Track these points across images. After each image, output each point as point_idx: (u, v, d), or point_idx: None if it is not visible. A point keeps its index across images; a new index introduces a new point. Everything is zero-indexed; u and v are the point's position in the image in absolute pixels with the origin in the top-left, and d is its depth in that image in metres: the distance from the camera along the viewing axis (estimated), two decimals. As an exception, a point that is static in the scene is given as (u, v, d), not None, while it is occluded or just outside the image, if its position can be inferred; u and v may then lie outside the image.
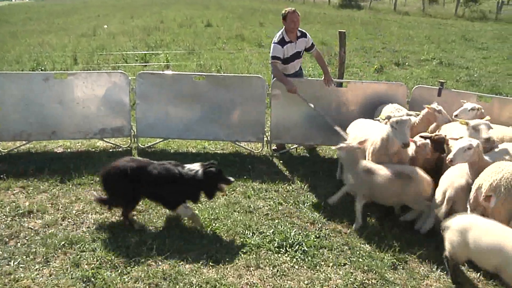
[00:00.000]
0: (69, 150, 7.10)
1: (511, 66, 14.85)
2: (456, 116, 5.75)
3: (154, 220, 5.02)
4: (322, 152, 7.29)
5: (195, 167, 4.80)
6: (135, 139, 7.18)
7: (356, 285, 4.10)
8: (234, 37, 18.36)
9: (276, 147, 7.22)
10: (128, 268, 4.20)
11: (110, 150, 7.11)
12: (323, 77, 6.79)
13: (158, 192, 4.81)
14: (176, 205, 4.82)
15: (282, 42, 6.62)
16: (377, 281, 4.17)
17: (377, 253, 4.55)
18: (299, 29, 6.73)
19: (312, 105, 6.50)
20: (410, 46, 17.17)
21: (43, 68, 11.91)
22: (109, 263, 4.26)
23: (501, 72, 13.93)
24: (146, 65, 12.87)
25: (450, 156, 4.56)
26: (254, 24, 23.59)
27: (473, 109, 5.74)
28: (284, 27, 6.66)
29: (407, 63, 14.24)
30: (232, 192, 5.75)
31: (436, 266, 4.41)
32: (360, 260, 4.43)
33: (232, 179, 4.87)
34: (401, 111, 6.16)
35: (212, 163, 4.87)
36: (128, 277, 4.08)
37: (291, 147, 7.29)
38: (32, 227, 4.84)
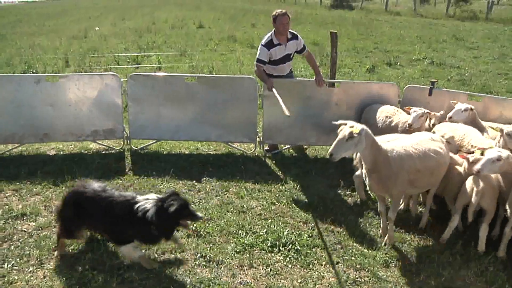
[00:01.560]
0: (61, 152, 7.08)
1: (502, 66, 14.99)
2: (450, 118, 5.73)
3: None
4: (314, 152, 7.32)
5: (148, 203, 3.98)
6: (128, 141, 7.18)
7: (349, 283, 4.14)
8: (226, 38, 18.38)
9: (268, 148, 7.25)
10: (122, 270, 4.20)
11: (103, 152, 7.11)
12: (314, 78, 6.81)
13: (102, 227, 4.27)
14: (122, 244, 4.20)
15: (269, 45, 6.56)
16: (370, 279, 4.21)
17: (370, 251, 4.60)
18: (291, 31, 6.70)
19: (285, 108, 6.02)
20: (401, 46, 17.27)
21: (34, 71, 11.85)
22: (103, 265, 4.26)
23: (491, 71, 14.05)
24: (138, 67, 12.86)
25: (477, 166, 4.31)
26: (246, 25, 23.64)
27: (465, 109, 5.77)
28: (273, 29, 6.62)
29: (398, 63, 14.33)
30: (225, 193, 5.78)
31: (427, 264, 4.46)
32: (353, 258, 4.48)
33: (200, 215, 4.11)
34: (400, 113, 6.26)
35: (174, 195, 4.05)
36: (120, 278, 4.09)
37: (283, 148, 7.31)
38: (25, 230, 4.83)
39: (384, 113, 6.31)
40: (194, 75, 7.56)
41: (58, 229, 4.42)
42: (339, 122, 4.42)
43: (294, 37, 6.73)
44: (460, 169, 4.87)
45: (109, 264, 4.26)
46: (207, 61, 13.38)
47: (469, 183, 4.64)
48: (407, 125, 5.66)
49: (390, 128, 6.10)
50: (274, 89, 6.37)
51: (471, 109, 5.78)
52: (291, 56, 6.86)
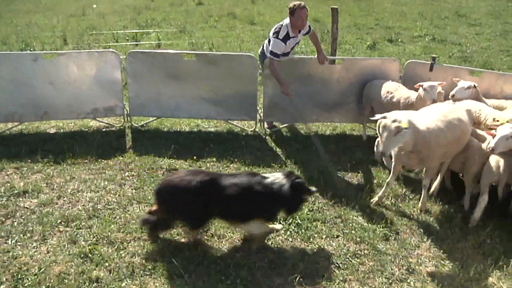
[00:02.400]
0: (62, 130, 7.08)
1: (504, 42, 14.85)
2: (453, 96, 5.69)
3: (149, 197, 5.05)
4: (313, 128, 7.32)
5: (279, 178, 4.13)
6: (128, 118, 7.17)
7: (349, 256, 4.21)
8: (226, 15, 18.13)
9: (268, 126, 7.22)
10: (125, 243, 4.26)
11: (103, 129, 7.10)
12: (316, 55, 6.75)
13: (233, 209, 4.14)
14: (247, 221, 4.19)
15: (286, 38, 6.31)
16: (369, 252, 4.27)
17: (369, 225, 4.65)
18: None
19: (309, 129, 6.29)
20: (403, 22, 17.06)
21: (32, 49, 11.75)
22: (106, 239, 4.32)
23: (493, 48, 13.94)
24: (137, 44, 12.73)
25: (491, 144, 4.44)
26: (245, 1, 23.30)
27: (469, 87, 5.72)
28: (290, 21, 6.28)
29: (400, 40, 14.17)
30: (226, 169, 5.81)
31: (426, 237, 4.53)
32: (353, 232, 4.53)
33: (314, 189, 4.36)
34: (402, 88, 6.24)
35: (293, 174, 4.29)
36: (124, 252, 4.14)
37: (282, 125, 7.31)
38: (28, 207, 4.87)
39: (386, 88, 6.28)
40: (193, 52, 7.50)
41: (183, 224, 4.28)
42: (378, 116, 4.47)
43: None
44: (483, 146, 4.85)
45: (111, 238, 4.31)
46: (207, 39, 13.24)
47: (493, 160, 4.63)
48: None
49: (392, 104, 6.09)
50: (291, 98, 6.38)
51: (474, 86, 5.74)
52: (299, 41, 6.75)
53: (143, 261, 4.04)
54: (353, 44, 13.15)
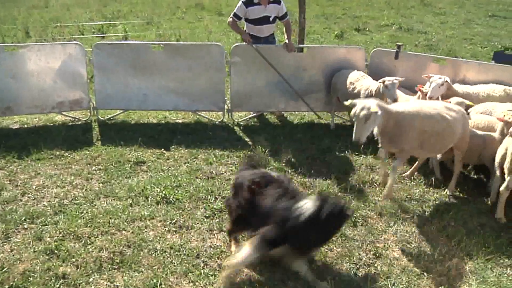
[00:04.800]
0: (26, 126, 6.88)
1: (467, 31, 15.22)
2: (430, 97, 5.62)
3: (117, 191, 5.00)
4: (281, 117, 7.38)
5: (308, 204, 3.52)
6: (95, 112, 7.04)
7: (321, 243, 4.25)
8: (194, 6, 17.95)
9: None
10: (92, 238, 4.20)
11: (70, 124, 6.96)
12: (283, 43, 6.79)
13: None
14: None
15: (248, 3, 6.58)
16: (338, 238, 4.32)
17: (338, 212, 4.70)
18: None
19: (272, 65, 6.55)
20: (370, 11, 17.27)
21: (-8, 43, 11.36)
22: (72, 234, 4.24)
23: (457, 37, 14.27)
24: (103, 36, 12.47)
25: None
26: (214, -8, 23.10)
27: (442, 84, 5.76)
28: None
29: (367, 29, 14.35)
30: (194, 160, 5.79)
31: (393, 222, 4.63)
32: (321, 219, 4.57)
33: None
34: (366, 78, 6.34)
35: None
36: (92, 247, 4.08)
37: (251, 114, 7.32)
38: (-10, 204, 4.73)
39: (350, 79, 6.39)
40: (161, 43, 7.39)
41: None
42: (348, 102, 4.61)
43: (277, 1, 6.71)
44: (494, 135, 5.05)
45: (78, 233, 4.24)
46: (175, 30, 13.09)
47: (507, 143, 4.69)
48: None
49: (353, 95, 6.19)
50: (254, 45, 6.57)
51: (446, 81, 5.81)
52: (271, 19, 6.81)
53: (111, 255, 3.99)
54: (321, 34, 13.25)
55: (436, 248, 4.23)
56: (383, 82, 5.77)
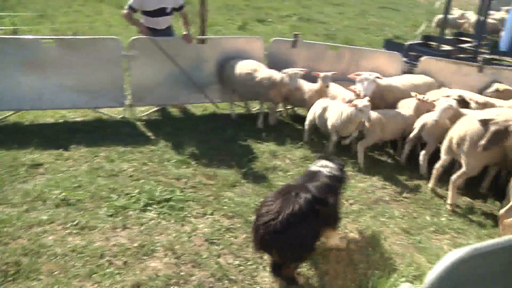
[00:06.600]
0: None
1: (363, 21, 16.21)
2: (365, 95, 5.83)
3: (10, 197, 4.69)
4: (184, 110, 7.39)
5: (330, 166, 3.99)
6: (-18, 114, 6.52)
7: (223, 231, 4.34)
8: (92, -2, 17.15)
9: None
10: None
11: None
12: (182, 35, 6.77)
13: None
14: None
15: None
16: (241, 225, 4.45)
17: (241, 199, 4.84)
18: None
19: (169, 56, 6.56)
20: (272, 2, 17.68)
21: None
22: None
23: (354, 26, 15.14)
24: (-13, 31, 11.48)
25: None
26: (113, -16, 22.18)
27: (373, 81, 5.99)
28: None
29: (269, 20, 14.70)
30: (95, 158, 5.59)
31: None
32: (226, 207, 4.68)
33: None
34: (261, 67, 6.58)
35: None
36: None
37: (153, 108, 7.23)
38: None
39: (246, 68, 6.55)
40: (52, 37, 6.98)
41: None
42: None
43: None
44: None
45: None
46: (71, 24, 12.41)
47: None
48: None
49: (254, 84, 6.41)
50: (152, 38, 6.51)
51: (377, 77, 6.11)
52: (168, 11, 6.73)
53: (4, 267, 3.71)
54: (223, 25, 13.33)
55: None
56: (286, 72, 6.12)
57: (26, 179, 5.08)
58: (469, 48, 9.64)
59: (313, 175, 3.85)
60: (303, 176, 3.97)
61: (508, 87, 6.49)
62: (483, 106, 5.66)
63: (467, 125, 4.88)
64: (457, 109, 5.27)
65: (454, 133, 4.98)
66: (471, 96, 5.84)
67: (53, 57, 6.46)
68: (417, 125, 5.65)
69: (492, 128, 4.54)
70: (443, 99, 5.41)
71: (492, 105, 5.74)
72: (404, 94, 6.31)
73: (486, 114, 4.84)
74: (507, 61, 9.31)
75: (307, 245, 3.51)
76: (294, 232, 3.30)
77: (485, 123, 4.65)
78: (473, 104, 5.65)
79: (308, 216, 3.37)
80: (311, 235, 3.52)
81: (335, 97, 6.41)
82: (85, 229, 4.26)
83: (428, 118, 5.52)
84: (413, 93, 5.90)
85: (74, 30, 11.53)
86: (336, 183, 3.88)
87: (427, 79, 6.85)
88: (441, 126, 5.32)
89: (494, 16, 14.45)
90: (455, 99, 5.48)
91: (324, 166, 3.95)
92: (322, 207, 3.53)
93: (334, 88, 6.57)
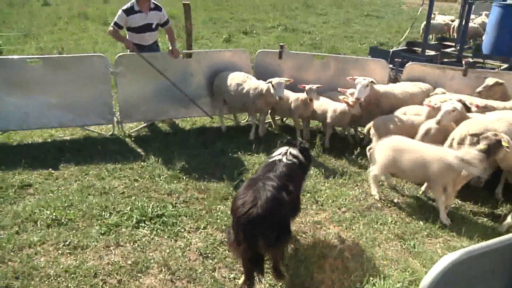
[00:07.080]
0: None
1: (347, 29, 16.38)
2: (357, 99, 5.98)
3: (1, 218, 4.64)
4: (173, 124, 7.37)
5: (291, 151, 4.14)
6: (-34, 136, 6.45)
7: (216, 245, 4.32)
8: (77, 16, 17.15)
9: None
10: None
11: None
12: (168, 50, 6.80)
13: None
14: None
15: (129, 11, 6.53)
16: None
17: (233, 212, 4.82)
18: (154, 2, 6.68)
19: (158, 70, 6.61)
20: (257, 14, 17.86)
21: None
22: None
23: (338, 35, 15.30)
24: (-27, 52, 11.42)
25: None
26: (97, 1, 22.24)
27: (367, 85, 6.02)
28: None
29: (254, 31, 14.82)
30: (85, 176, 5.55)
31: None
32: (218, 221, 4.67)
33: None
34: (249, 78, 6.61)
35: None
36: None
37: (142, 124, 7.22)
38: None
39: (235, 80, 6.61)
40: (38, 57, 6.96)
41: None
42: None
43: (157, 8, 6.71)
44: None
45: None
46: (57, 42, 12.40)
47: None
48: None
49: (242, 96, 6.45)
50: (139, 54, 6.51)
51: (372, 82, 6.14)
52: (153, 26, 6.77)
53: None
54: (209, 39, 13.40)
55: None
56: (271, 82, 6.13)
57: (15, 200, 5.03)
58: (452, 52, 9.80)
59: (272, 165, 3.95)
60: (263, 167, 4.04)
61: (498, 80, 6.45)
62: (483, 109, 5.71)
63: (468, 125, 4.97)
64: (463, 112, 5.29)
65: (456, 133, 5.05)
66: (471, 100, 5.87)
67: (39, 76, 6.44)
68: (421, 130, 5.53)
69: (484, 142, 4.60)
70: (449, 101, 5.41)
71: (492, 108, 5.79)
72: (401, 101, 6.35)
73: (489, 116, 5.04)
74: (489, 63, 9.47)
75: (287, 227, 3.65)
76: (274, 214, 3.43)
77: (476, 137, 4.72)
78: (473, 108, 5.69)
79: (281, 200, 3.55)
80: (287, 217, 3.72)
81: (325, 111, 6.49)
82: (77, 248, 4.23)
83: (432, 124, 5.41)
84: (426, 101, 5.84)
85: (60, 48, 11.51)
86: (296, 170, 4.04)
87: (424, 86, 6.85)
88: (446, 129, 5.28)
89: (475, 20, 14.70)
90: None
91: (284, 154, 4.08)
92: (286, 195, 3.67)
93: (323, 101, 6.61)
